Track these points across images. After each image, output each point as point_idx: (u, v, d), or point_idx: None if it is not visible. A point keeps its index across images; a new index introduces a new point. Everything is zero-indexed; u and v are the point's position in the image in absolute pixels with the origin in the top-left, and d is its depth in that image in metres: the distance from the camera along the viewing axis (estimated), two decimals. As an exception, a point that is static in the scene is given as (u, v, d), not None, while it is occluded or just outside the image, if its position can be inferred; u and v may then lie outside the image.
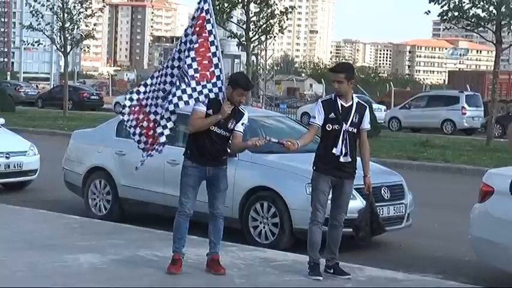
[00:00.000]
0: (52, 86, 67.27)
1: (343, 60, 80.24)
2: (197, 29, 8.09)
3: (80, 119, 34.07)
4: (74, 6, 35.57)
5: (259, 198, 10.12)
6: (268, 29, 30.49)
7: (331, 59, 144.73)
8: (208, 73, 8.00)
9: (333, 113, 7.91)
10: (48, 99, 49.83)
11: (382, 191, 10.05)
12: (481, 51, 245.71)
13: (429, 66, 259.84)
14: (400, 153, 21.40)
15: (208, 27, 8.10)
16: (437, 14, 25.17)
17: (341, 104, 7.94)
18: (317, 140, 10.62)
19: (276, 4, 30.53)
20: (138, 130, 8.43)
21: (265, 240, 9.95)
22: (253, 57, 44.40)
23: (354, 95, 8.15)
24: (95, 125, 14.80)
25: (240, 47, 48.37)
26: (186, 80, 7.97)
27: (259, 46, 44.39)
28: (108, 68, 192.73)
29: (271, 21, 30.26)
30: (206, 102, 7.95)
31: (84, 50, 44.02)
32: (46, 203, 12.92)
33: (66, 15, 35.34)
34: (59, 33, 35.99)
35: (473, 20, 25.23)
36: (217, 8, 29.40)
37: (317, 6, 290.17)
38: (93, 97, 50.58)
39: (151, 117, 8.32)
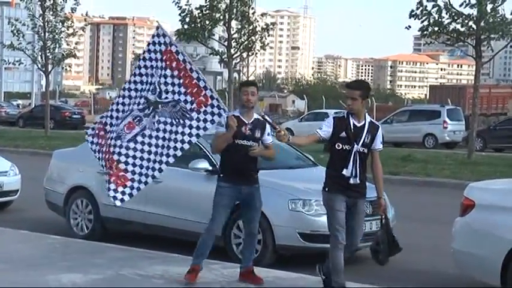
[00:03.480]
0: (33, 105, 67.06)
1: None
2: (172, 64, 8.22)
3: (61, 138, 33.92)
4: (56, 25, 35.53)
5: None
6: (249, 45, 30.56)
7: (313, 75, 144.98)
8: (202, 98, 8.13)
9: (344, 132, 7.64)
10: (30, 118, 49.69)
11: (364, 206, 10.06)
12: (461, 66, 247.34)
13: (410, 81, 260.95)
14: (382, 168, 21.41)
15: (180, 57, 8.24)
16: (418, 29, 25.32)
17: (353, 124, 7.68)
18: (299, 156, 10.63)
19: (258, 21, 30.61)
20: (101, 155, 8.61)
21: (248, 257, 9.92)
22: (235, 74, 44.49)
23: (367, 114, 7.88)
24: (76, 144, 14.75)
25: (222, 64, 48.51)
26: (188, 115, 8.13)
27: (241, 63, 44.48)
28: (90, 86, 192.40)
29: (252, 38, 30.34)
30: (218, 124, 8.11)
31: (66, 69, 43.85)
32: (27, 223, 12.84)
33: (47, 34, 35.30)
34: (40, 53, 35.92)
35: (453, 35, 25.39)
36: (199, 25, 29.48)
37: (298, 22, 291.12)
38: (75, 116, 50.44)
39: (108, 141, 8.47)
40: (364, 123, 7.74)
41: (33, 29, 35.82)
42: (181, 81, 8.18)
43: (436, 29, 25.06)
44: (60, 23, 35.47)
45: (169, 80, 8.23)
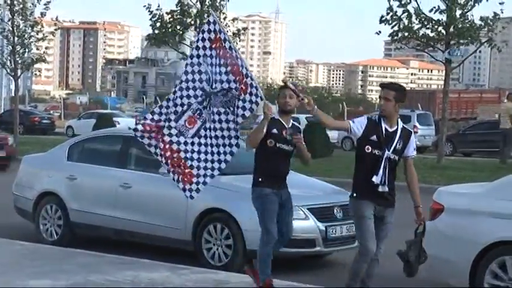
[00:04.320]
0: (2, 110, 66.52)
1: (295, 80, 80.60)
2: (220, 52, 8.10)
3: (31, 143, 33.67)
4: (25, 30, 35.26)
5: (213, 220, 10.09)
6: (220, 50, 30.52)
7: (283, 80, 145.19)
8: (243, 86, 7.98)
9: (375, 136, 7.31)
10: (-2, 123, 49.26)
11: (335, 211, 10.09)
12: (431, 71, 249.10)
13: (379, 84, 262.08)
14: (352, 173, 21.48)
15: (227, 45, 8.11)
16: (388, 34, 25.46)
17: (385, 128, 7.37)
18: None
19: (229, 26, 30.61)
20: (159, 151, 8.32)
21: (219, 262, 9.91)
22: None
23: (399, 120, 7.55)
24: (46, 150, 14.64)
25: (193, 69, 48.29)
26: (236, 102, 8.01)
27: (212, 68, 44.37)
28: (60, 91, 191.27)
29: (223, 43, 30.30)
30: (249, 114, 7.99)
31: (36, 74, 43.53)
32: (-4, 229, 12.72)
33: (17, 38, 35.02)
34: (9, 57, 35.62)
35: (423, 40, 25.56)
36: (170, 30, 29.42)
37: (270, 27, 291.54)
38: (44, 121, 50.11)
39: (166, 138, 8.24)
40: (397, 129, 7.43)
41: (2, 34, 35.49)
42: (228, 68, 8.03)
43: (406, 34, 25.20)
44: (30, 28, 35.17)
45: (218, 69, 8.07)
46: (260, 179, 8.04)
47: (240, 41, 31.45)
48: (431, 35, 25.26)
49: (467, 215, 8.08)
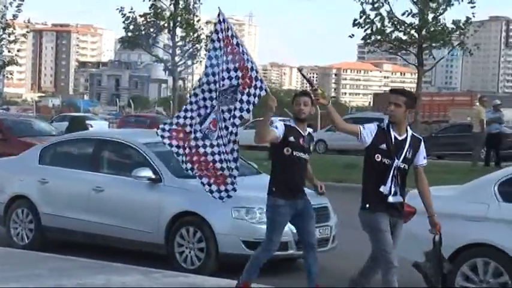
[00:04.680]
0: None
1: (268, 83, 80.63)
2: (228, 49, 8.02)
3: (3, 146, 33.36)
4: (-4, 32, 35.01)
5: (185, 223, 10.06)
6: (194, 53, 30.51)
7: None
8: (247, 80, 7.89)
9: (384, 144, 7.06)
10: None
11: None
12: (404, 74, 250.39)
13: (355, 88, 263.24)
14: (325, 176, 21.54)
15: (235, 41, 8.04)
16: (361, 37, 25.57)
17: (394, 136, 7.11)
18: (242, 164, 10.56)
19: (202, 29, 30.58)
20: (185, 158, 8.21)
21: (191, 266, 9.88)
22: (180, 82, 44.34)
23: (409, 127, 7.29)
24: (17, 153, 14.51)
25: (166, 72, 48.29)
26: (238, 97, 7.90)
27: (186, 70, 44.37)
28: (32, 94, 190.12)
29: (197, 45, 30.30)
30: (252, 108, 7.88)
31: (7, 77, 43.23)
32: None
33: (-13, 41, 34.76)
34: (-20, 60, 35.36)
35: (395, 43, 25.69)
36: (143, 33, 29.36)
37: (243, 30, 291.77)
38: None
39: (193, 143, 8.14)
40: (406, 137, 7.17)
41: (-27, 36, 35.23)
42: (236, 65, 7.94)
43: (378, 37, 25.33)
44: (1, 30, 34.94)
45: (226, 66, 7.98)
46: (274, 189, 7.94)
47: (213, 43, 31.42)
48: (403, 38, 25.40)
49: (439, 218, 8.08)
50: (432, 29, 24.68)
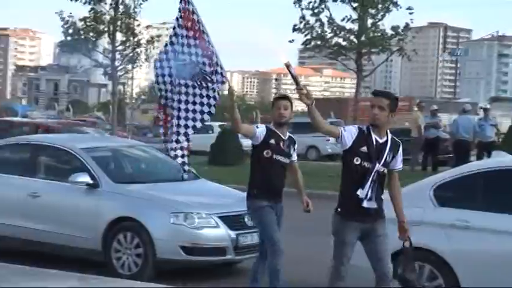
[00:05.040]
0: None
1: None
2: (188, 24, 7.88)
3: None
4: None
5: (123, 228, 9.97)
6: (134, 58, 30.34)
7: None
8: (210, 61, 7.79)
9: (365, 147, 6.88)
10: None
11: (246, 219, 10.05)
12: (344, 79, 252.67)
13: (295, 93, 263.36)
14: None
15: (195, 17, 7.89)
16: (301, 42, 25.76)
17: (375, 139, 6.92)
18: (181, 169, 10.44)
19: (142, 33, 30.43)
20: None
21: (128, 272, 9.79)
22: (120, 87, 44.06)
23: (388, 130, 7.08)
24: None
25: (106, 76, 47.92)
26: (209, 78, 7.78)
27: (125, 75, 44.06)
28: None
29: (137, 50, 30.14)
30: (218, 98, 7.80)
31: None
32: None
33: None
34: None
35: (335, 49, 25.93)
36: (83, 37, 29.09)
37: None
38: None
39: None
40: (387, 140, 6.99)
41: None
42: (197, 42, 7.81)
43: (318, 42, 25.57)
44: None
45: (185, 41, 7.85)
46: (255, 191, 7.89)
47: (154, 48, 31.32)
48: (343, 43, 25.69)
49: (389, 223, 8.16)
50: (371, 34, 25.00)
